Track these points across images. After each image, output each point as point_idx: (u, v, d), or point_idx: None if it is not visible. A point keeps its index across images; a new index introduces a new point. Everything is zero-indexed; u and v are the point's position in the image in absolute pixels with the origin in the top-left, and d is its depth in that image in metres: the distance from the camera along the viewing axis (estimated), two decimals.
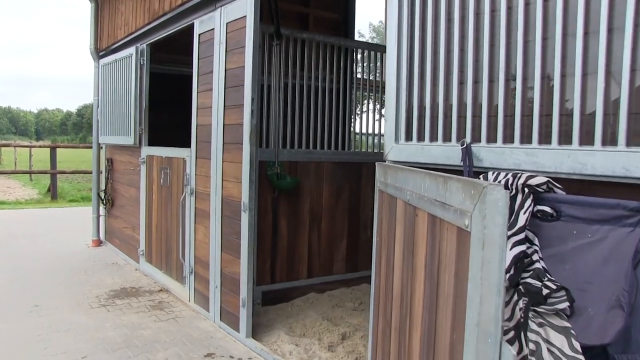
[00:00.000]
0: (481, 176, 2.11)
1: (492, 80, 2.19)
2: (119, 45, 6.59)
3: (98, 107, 7.14)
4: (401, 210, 2.15)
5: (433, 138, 2.48)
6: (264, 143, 4.75)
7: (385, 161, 2.74)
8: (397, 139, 2.67)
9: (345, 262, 5.34)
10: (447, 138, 2.41)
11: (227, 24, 4.21)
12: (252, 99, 3.96)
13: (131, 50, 5.92)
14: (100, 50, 7.22)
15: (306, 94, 5.03)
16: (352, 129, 5.42)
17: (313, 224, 5.11)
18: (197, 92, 4.70)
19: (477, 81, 2.25)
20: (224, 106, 4.29)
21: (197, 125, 4.72)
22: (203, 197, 4.61)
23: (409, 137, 2.63)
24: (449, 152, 2.34)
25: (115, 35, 6.65)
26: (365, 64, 5.54)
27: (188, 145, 4.84)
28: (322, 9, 6.57)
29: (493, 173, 2.07)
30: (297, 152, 4.95)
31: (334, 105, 5.26)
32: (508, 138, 2.13)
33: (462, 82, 2.32)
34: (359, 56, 5.46)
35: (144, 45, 5.84)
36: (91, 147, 7.52)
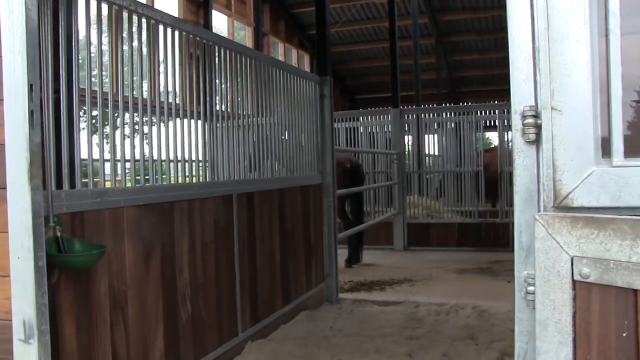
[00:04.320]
0: None
1: None
2: None
3: None
4: None
5: None
6: None
7: (560, 208, 1.14)
8: (608, 153, 1.10)
9: (164, 359, 3.31)
10: None
11: None
12: (31, 87, 1.79)
13: None
14: None
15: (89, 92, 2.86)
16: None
17: (116, 314, 2.95)
18: None
19: None
20: None
21: None
22: None
23: None
24: None
25: None
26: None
27: None
28: None
29: None
30: (83, 195, 2.74)
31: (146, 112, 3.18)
32: None
33: None
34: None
35: None
36: None
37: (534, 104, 1.23)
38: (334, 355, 4.16)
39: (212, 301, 3.83)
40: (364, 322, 5.12)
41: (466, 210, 9.48)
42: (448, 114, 9.98)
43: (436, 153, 10.27)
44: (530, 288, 1.22)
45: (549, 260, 1.13)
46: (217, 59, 4.08)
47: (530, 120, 1.21)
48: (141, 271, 3.14)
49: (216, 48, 4.07)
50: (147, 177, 3.25)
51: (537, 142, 1.23)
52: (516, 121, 1.25)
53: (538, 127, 1.21)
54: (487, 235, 9.16)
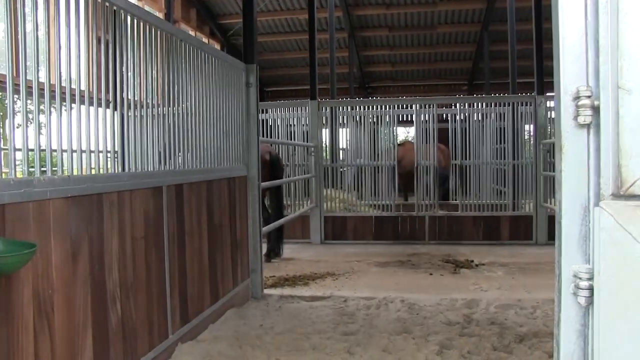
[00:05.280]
0: None
1: None
2: None
3: None
4: None
5: None
6: None
7: (624, 196, 1.05)
8: None
9: None
10: None
11: None
12: None
13: None
14: None
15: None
16: None
17: (40, 321, 2.58)
18: None
19: None
20: None
21: None
22: None
23: None
24: None
25: None
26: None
27: None
28: None
29: None
30: (5, 185, 2.35)
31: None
32: None
33: None
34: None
35: None
36: None
37: (586, 83, 1.13)
38: (270, 355, 3.97)
39: (142, 302, 3.51)
40: (295, 318, 4.97)
41: (382, 203, 9.59)
42: (364, 107, 10.02)
43: (350, 146, 10.31)
44: (583, 283, 1.12)
45: (619, 253, 1.04)
46: (143, 39, 3.71)
47: (585, 102, 1.11)
48: (69, 272, 2.77)
49: (153, 29, 3.71)
50: (52, 167, 2.87)
51: (589, 125, 1.13)
52: (566, 103, 1.14)
53: (594, 109, 1.11)
54: (404, 228, 9.32)
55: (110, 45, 3.31)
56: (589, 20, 1.13)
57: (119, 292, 3.23)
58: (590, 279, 1.11)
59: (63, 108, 2.84)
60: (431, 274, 6.84)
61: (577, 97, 1.12)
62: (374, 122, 9.98)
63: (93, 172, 3.14)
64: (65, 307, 2.74)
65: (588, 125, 1.13)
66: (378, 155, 9.84)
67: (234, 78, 5.46)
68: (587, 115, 1.11)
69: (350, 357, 3.92)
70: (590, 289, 1.11)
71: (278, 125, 10.09)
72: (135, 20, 3.58)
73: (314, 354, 4.00)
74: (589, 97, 1.11)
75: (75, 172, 2.89)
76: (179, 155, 4.23)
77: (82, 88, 2.98)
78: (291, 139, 10.03)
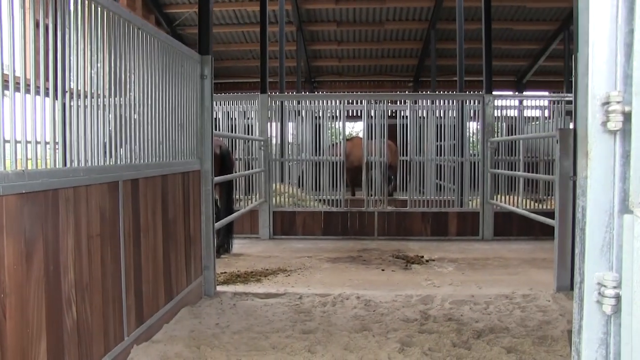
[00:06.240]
0: None
1: None
2: None
3: None
4: None
5: None
6: None
7: None
8: None
9: None
10: None
11: None
12: None
13: None
14: None
15: None
16: None
17: None
18: None
19: None
20: None
21: None
22: None
23: None
24: None
25: None
26: None
27: None
28: None
29: None
30: None
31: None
32: None
33: None
34: None
35: None
36: None
37: (615, 89, 1.11)
38: (230, 355, 3.86)
39: (97, 303, 3.32)
40: (250, 316, 4.87)
41: (331, 199, 9.59)
42: (315, 102, 9.97)
43: (300, 141, 10.25)
44: (609, 292, 1.11)
45: None
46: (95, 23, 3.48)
47: (616, 107, 1.09)
48: (22, 273, 2.57)
49: (106, 13, 3.49)
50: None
51: (616, 131, 1.12)
52: (594, 108, 1.12)
53: (625, 115, 1.10)
54: (353, 223, 9.35)
55: (52, 27, 3.07)
56: (619, 24, 1.11)
57: (75, 294, 3.03)
58: (617, 287, 1.10)
59: (14, 97, 2.62)
60: (383, 270, 6.88)
61: (606, 102, 1.11)
62: (323, 117, 9.94)
63: (48, 165, 2.92)
64: (18, 311, 2.54)
65: (616, 131, 1.12)
66: (326, 149, 9.83)
67: (188, 69, 5.27)
68: (618, 121, 1.10)
69: (312, 356, 3.87)
70: (617, 297, 1.10)
71: (230, 119, 9.91)
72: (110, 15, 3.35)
73: (275, 353, 3.92)
74: (619, 102, 1.10)
75: (29, 166, 2.69)
76: (120, 149, 3.98)
77: (32, 77, 2.77)
78: (235, 133, 9.87)
